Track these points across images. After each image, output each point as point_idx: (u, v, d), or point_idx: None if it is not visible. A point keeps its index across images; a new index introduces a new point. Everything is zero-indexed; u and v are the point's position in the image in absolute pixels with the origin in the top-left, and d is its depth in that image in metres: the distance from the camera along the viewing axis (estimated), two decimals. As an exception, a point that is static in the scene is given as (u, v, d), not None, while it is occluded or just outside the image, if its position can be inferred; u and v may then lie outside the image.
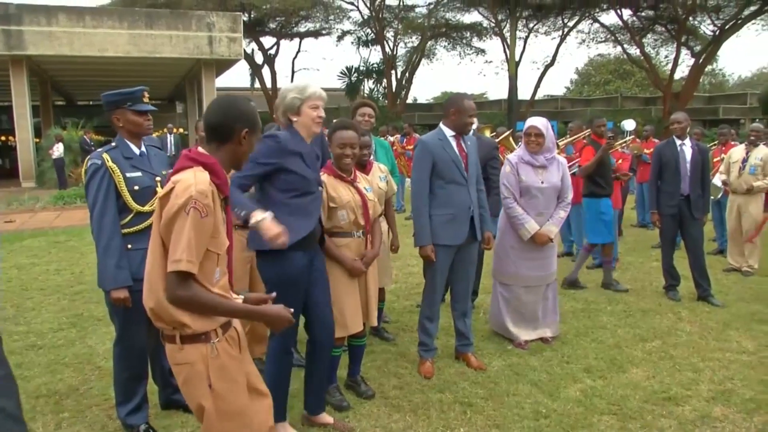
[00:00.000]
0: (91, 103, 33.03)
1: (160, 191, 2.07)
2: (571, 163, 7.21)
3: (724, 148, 8.22)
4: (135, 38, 17.76)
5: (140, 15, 18.28)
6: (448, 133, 3.96)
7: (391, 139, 12.96)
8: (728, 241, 7.22)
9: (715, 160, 8.18)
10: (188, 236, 1.92)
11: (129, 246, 3.07)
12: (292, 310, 2.20)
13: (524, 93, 30.05)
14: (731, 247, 7.09)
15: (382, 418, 3.40)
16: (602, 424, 3.33)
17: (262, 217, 2.61)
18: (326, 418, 3.31)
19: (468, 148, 3.99)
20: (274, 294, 2.29)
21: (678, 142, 5.83)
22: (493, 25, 29.20)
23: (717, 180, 7.43)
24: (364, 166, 3.68)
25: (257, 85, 30.61)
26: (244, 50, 22.45)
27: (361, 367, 3.78)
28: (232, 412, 2.08)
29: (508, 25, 27.84)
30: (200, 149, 2.09)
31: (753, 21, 25.14)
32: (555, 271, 4.60)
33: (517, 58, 27.76)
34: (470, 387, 3.78)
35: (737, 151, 7.10)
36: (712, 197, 7.27)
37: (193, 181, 1.96)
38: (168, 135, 17.04)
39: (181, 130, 23.33)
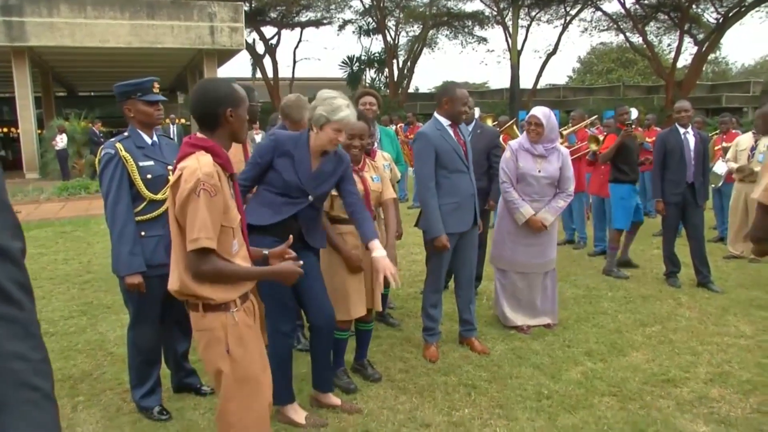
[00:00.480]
0: (92, 94, 33.06)
1: (172, 178, 2.21)
2: (572, 153, 7.29)
3: (725, 137, 8.27)
4: (136, 29, 17.78)
5: (142, 5, 18.27)
6: (445, 122, 4.02)
7: (394, 127, 13.01)
8: (729, 228, 7.29)
9: (716, 148, 8.24)
10: (202, 215, 2.10)
11: (142, 233, 3.16)
12: (301, 262, 2.41)
13: (526, 82, 30.08)
14: (732, 234, 7.16)
15: (389, 399, 3.50)
16: (602, 404, 3.42)
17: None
18: (334, 399, 3.40)
19: (464, 137, 4.07)
20: (290, 241, 2.51)
21: (681, 130, 5.89)
22: (495, 13, 29.15)
23: (718, 168, 7.49)
24: (368, 154, 3.75)
25: (259, 75, 30.59)
26: (246, 40, 22.45)
27: (367, 351, 3.88)
28: (246, 377, 2.27)
29: (510, 14, 27.76)
30: (198, 135, 2.26)
31: (757, 9, 25.02)
32: (554, 260, 4.64)
33: (519, 47, 27.69)
34: (474, 370, 3.88)
35: (745, 139, 7.13)
36: (712, 185, 7.35)
37: (198, 165, 2.13)
38: (171, 125, 17.10)
39: (183, 120, 23.37)
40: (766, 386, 3.63)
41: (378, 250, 3.04)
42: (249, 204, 3.07)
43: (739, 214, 7.05)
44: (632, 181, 6.36)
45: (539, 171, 4.42)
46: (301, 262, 2.41)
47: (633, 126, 6.39)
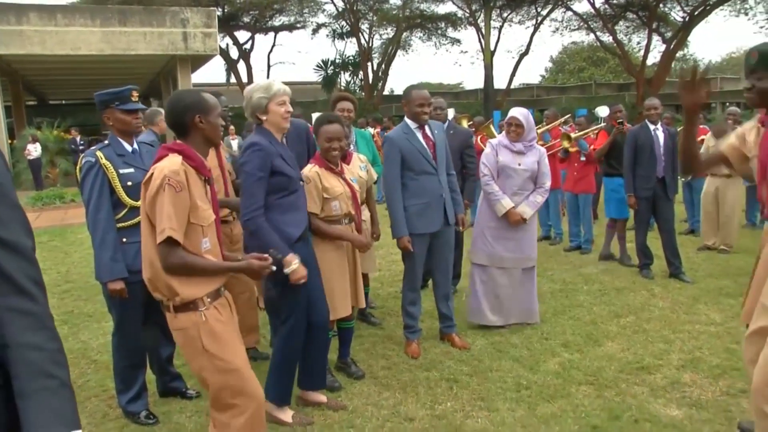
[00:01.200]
0: (63, 102, 32.63)
1: (144, 179, 2.40)
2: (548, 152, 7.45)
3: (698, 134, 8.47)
4: (108, 36, 17.61)
5: (113, 12, 18.11)
6: (413, 125, 4.12)
7: (372, 131, 13.08)
8: (702, 221, 7.47)
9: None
10: (168, 209, 2.26)
11: (124, 240, 3.19)
12: (267, 256, 2.52)
13: (500, 82, 30.30)
14: (705, 226, 7.34)
15: (372, 396, 3.57)
16: (580, 393, 3.54)
17: (297, 264, 2.97)
18: (320, 396, 3.47)
19: (436, 137, 4.16)
20: (270, 251, 2.62)
21: (651, 127, 6.06)
22: (467, 15, 29.37)
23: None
24: (344, 157, 3.82)
25: (233, 80, 30.48)
26: (219, 45, 22.36)
27: (350, 349, 3.95)
28: (227, 369, 2.41)
29: (482, 15, 28.02)
30: (177, 141, 2.45)
31: (721, 7, 25.59)
32: (533, 257, 4.71)
33: (492, 48, 27.97)
34: (455, 365, 3.97)
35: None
36: (682, 179, 7.54)
37: (166, 163, 2.33)
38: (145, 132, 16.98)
39: (157, 127, 23.20)
40: (735, 370, 3.77)
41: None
42: (274, 220, 3.04)
43: (708, 206, 7.26)
44: (621, 174, 6.52)
45: (519, 164, 4.53)
46: (267, 256, 2.54)
47: (622, 123, 6.59)
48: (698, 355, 4.05)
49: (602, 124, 10.67)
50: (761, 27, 32.63)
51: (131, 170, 3.23)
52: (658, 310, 4.98)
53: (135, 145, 3.34)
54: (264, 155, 3.02)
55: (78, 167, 3.27)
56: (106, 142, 3.27)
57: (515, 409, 3.37)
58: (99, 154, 3.17)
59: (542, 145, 7.45)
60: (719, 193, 7.14)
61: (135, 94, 3.30)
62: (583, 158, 7.16)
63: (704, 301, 5.18)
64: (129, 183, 3.20)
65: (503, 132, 4.73)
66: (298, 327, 3.20)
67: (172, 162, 2.33)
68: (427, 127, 4.17)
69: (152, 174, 2.33)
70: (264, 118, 3.11)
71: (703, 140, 7.31)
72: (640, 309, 5.02)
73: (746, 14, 26.55)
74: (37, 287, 1.19)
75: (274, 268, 2.56)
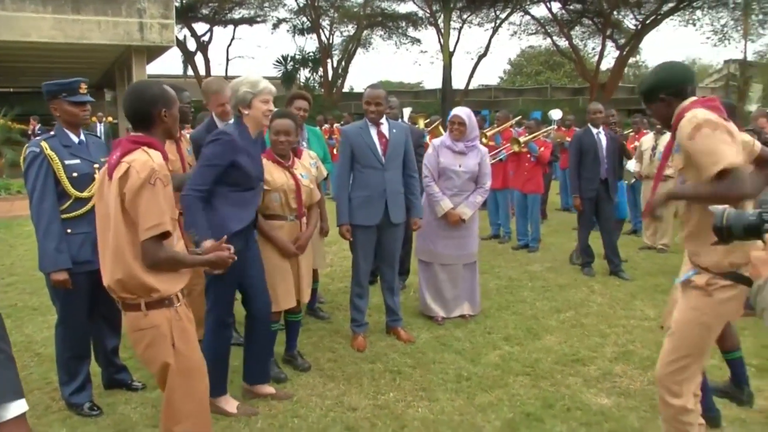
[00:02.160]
0: (12, 90, 31.58)
1: (116, 173, 2.24)
2: (495, 152, 7.66)
3: (637, 136, 8.81)
4: (61, 23, 17.14)
5: None
6: (369, 122, 4.27)
7: (336, 126, 13.04)
8: (643, 221, 7.79)
9: (631, 147, 8.77)
10: (159, 203, 2.20)
11: (69, 230, 3.20)
12: (232, 248, 2.53)
13: (459, 82, 30.64)
14: (646, 227, 7.66)
15: (317, 387, 3.66)
16: (517, 383, 3.69)
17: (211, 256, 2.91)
18: (267, 388, 3.53)
19: (392, 135, 4.27)
20: (225, 237, 2.62)
21: (594, 130, 6.30)
22: (428, 15, 29.59)
23: (630, 165, 7.99)
24: (295, 153, 3.89)
25: (190, 72, 30.01)
26: (176, 37, 22.02)
27: (297, 342, 4.02)
28: (190, 368, 2.38)
29: (442, 16, 28.28)
30: (133, 134, 2.37)
31: (671, 16, 26.47)
32: (474, 253, 4.89)
33: (451, 49, 28.25)
34: (399, 357, 4.09)
35: (647, 140, 7.65)
36: (626, 182, 7.83)
37: (149, 157, 2.24)
38: (97, 124, 16.63)
39: (110, 118, 22.69)
40: (664, 362, 3.98)
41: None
42: (219, 210, 3.11)
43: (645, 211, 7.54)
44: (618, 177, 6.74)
45: (459, 166, 4.66)
46: (232, 248, 2.56)
47: (615, 124, 6.77)
48: (631, 348, 4.26)
49: (553, 126, 11.00)
50: (707, 38, 33.82)
51: (77, 161, 3.23)
52: (597, 306, 5.20)
53: (82, 137, 3.34)
54: (228, 147, 3.09)
55: (22, 157, 3.25)
56: (52, 132, 3.26)
57: (455, 398, 3.50)
58: (44, 144, 3.17)
59: (493, 147, 7.68)
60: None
61: (83, 86, 3.30)
62: (533, 159, 7.37)
63: (641, 298, 5.43)
64: (75, 174, 3.20)
65: (447, 131, 4.86)
66: (222, 318, 3.26)
67: (155, 155, 2.26)
68: (384, 126, 4.29)
69: (130, 167, 2.20)
70: (246, 112, 3.17)
71: (635, 147, 7.65)
72: (580, 305, 5.24)
73: (694, 25, 27.50)
74: None
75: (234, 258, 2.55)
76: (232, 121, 3.50)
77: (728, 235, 1.68)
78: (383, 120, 4.28)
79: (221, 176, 3.13)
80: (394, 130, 4.32)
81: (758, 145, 2.66)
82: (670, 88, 2.53)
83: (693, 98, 2.51)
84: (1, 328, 1.27)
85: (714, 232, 1.71)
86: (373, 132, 4.24)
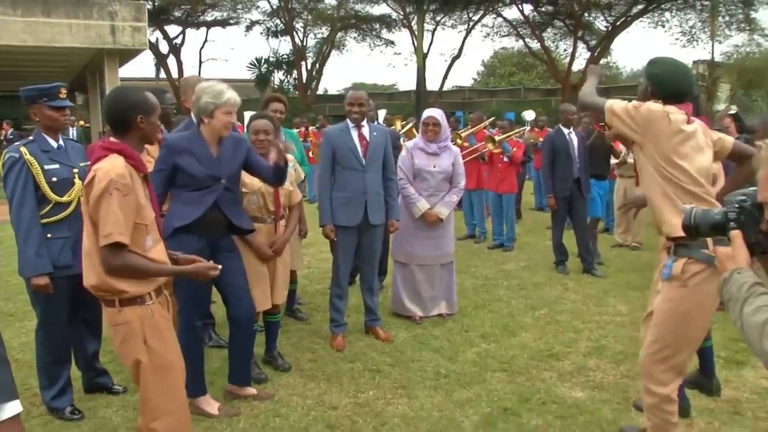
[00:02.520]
0: (-20, 94, 30.98)
1: (86, 180, 2.36)
2: (469, 151, 7.77)
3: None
4: (31, 26, 16.89)
5: (36, 2, 17.34)
6: (350, 124, 4.33)
7: (312, 129, 13.04)
8: (615, 219, 7.96)
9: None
10: (115, 213, 2.26)
11: (49, 235, 3.20)
12: (211, 262, 2.56)
13: (434, 84, 30.83)
14: (618, 225, 7.83)
15: (298, 387, 3.71)
16: (494, 379, 3.79)
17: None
18: (250, 390, 3.57)
19: (372, 138, 4.34)
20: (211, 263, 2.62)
21: (566, 131, 6.45)
22: (401, 17, 29.74)
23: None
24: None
25: (162, 75, 29.75)
26: (149, 40, 21.82)
27: (276, 343, 4.06)
28: (164, 366, 2.42)
29: (416, 18, 28.45)
30: (111, 139, 2.43)
31: (641, 18, 27.01)
32: (451, 253, 4.98)
33: (424, 50, 28.46)
34: (378, 356, 4.16)
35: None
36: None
37: (111, 166, 2.30)
38: (70, 128, 16.40)
39: (82, 122, 22.41)
40: (635, 356, 4.05)
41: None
42: (170, 209, 3.19)
43: (619, 204, 7.73)
44: (598, 176, 6.86)
45: (434, 167, 4.75)
46: (211, 262, 2.58)
47: (604, 126, 6.87)
48: (604, 343, 4.39)
49: (526, 127, 11.17)
50: (676, 39, 34.55)
51: (56, 166, 3.24)
52: (571, 303, 5.33)
53: (60, 141, 3.35)
54: (167, 151, 3.18)
55: (0, 163, 3.25)
56: (31, 137, 3.27)
57: (433, 395, 3.58)
58: (23, 149, 3.17)
59: (467, 148, 7.80)
60: (628, 193, 7.61)
61: (64, 91, 3.31)
62: (506, 159, 7.50)
63: (613, 294, 5.57)
64: (54, 179, 3.21)
65: (420, 132, 4.93)
66: (190, 319, 3.29)
67: (117, 164, 2.30)
68: (365, 128, 4.36)
69: (95, 176, 2.29)
70: (207, 121, 3.20)
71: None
72: (554, 302, 5.36)
73: (663, 26, 28.09)
74: None
75: (218, 272, 2.58)
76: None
77: (696, 232, 1.78)
78: (364, 122, 4.36)
79: (171, 180, 3.22)
80: (375, 133, 4.40)
81: (729, 140, 2.77)
82: (664, 88, 2.68)
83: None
84: None
85: (683, 230, 1.81)
86: (354, 134, 4.31)
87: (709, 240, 2.48)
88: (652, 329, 2.71)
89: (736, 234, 1.60)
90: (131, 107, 2.42)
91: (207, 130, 3.23)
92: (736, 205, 1.63)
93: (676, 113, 2.58)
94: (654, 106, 2.60)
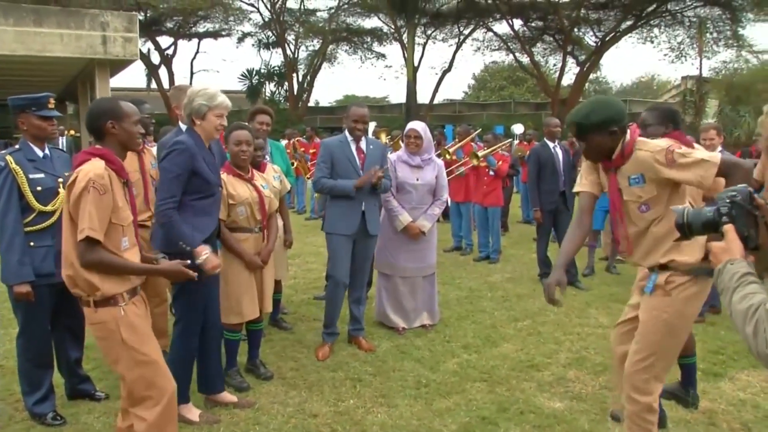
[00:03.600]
0: (-30, 102, 30.86)
1: (68, 181, 2.53)
2: (455, 166, 7.85)
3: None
4: (22, 36, 16.90)
5: (27, 11, 17.37)
6: (349, 137, 4.44)
7: (299, 139, 13.06)
8: (602, 233, 8.02)
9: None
10: (90, 210, 2.42)
11: (32, 243, 3.23)
12: (188, 262, 2.70)
13: (425, 97, 31.04)
14: (604, 238, 7.89)
15: (279, 395, 3.73)
16: (474, 389, 3.83)
17: (206, 254, 3.08)
18: (229, 397, 3.59)
19: (369, 151, 4.45)
20: (187, 262, 2.74)
21: (551, 144, 6.54)
22: (392, 30, 29.98)
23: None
24: (259, 167, 4.00)
25: (154, 85, 29.79)
26: (140, 50, 21.88)
27: (259, 351, 4.09)
28: (144, 361, 2.56)
29: (407, 32, 28.68)
30: (96, 145, 2.62)
31: (629, 34, 27.37)
32: (433, 264, 5.02)
33: (415, 64, 28.69)
34: (360, 365, 4.19)
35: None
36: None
37: (91, 167, 2.48)
38: (60, 137, 16.36)
39: (73, 132, 22.37)
40: (614, 367, 4.17)
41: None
42: (185, 223, 3.14)
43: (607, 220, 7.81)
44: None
45: (417, 180, 4.81)
46: (188, 262, 2.69)
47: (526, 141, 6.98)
48: (584, 354, 4.44)
49: (515, 140, 11.27)
50: (665, 54, 34.95)
51: (41, 175, 3.28)
52: (553, 315, 5.38)
53: (47, 151, 3.38)
54: (187, 155, 3.15)
55: (-14, 171, 3.28)
56: (17, 146, 3.31)
57: (413, 404, 3.61)
58: (9, 158, 3.20)
59: (455, 161, 7.87)
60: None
61: (52, 101, 3.35)
62: (491, 173, 7.58)
63: (595, 306, 5.64)
64: (39, 188, 3.24)
65: (404, 145, 4.97)
66: (192, 327, 3.32)
67: (96, 166, 2.47)
68: (363, 142, 4.46)
69: (76, 177, 2.45)
70: (199, 122, 3.25)
71: None
72: (537, 313, 5.42)
73: (651, 42, 28.47)
74: None
75: (196, 275, 2.72)
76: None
77: (689, 231, 1.81)
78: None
79: (185, 186, 3.20)
80: (371, 146, 4.51)
81: (717, 155, 2.84)
82: (621, 121, 2.63)
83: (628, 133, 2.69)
84: None
85: (676, 229, 1.85)
86: (353, 147, 4.42)
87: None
88: (636, 339, 2.77)
89: (729, 227, 1.66)
90: (102, 114, 2.60)
91: (201, 133, 3.27)
92: (728, 200, 1.69)
93: None
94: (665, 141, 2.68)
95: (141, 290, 2.71)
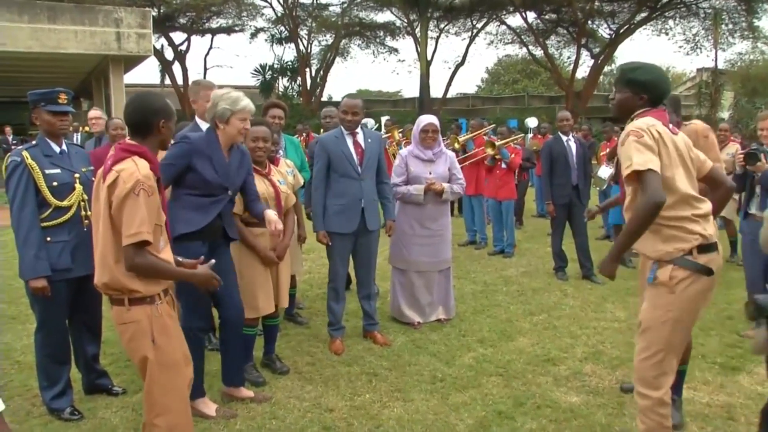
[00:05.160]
0: (-14, 100, 31.18)
1: (106, 180, 2.38)
2: (463, 157, 7.81)
3: (608, 143, 9.03)
4: (37, 33, 17.04)
5: (42, 8, 17.51)
6: (345, 131, 4.37)
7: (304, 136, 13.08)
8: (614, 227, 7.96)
9: (601, 153, 8.98)
10: (141, 213, 2.33)
11: (48, 239, 3.25)
12: (212, 271, 2.64)
13: (438, 91, 30.87)
14: (617, 232, 7.84)
15: (295, 389, 3.74)
16: (490, 383, 3.81)
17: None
18: (246, 392, 3.60)
19: (367, 145, 4.38)
20: (202, 258, 2.73)
21: (564, 138, 6.48)
22: (405, 24, 29.85)
23: (602, 172, 8.19)
24: (273, 161, 3.99)
25: (167, 81, 29.89)
26: (154, 46, 21.97)
27: (275, 346, 4.10)
28: (170, 363, 2.49)
29: (419, 26, 28.55)
30: (129, 141, 2.49)
31: (644, 26, 27.05)
32: (448, 259, 5.00)
33: (428, 58, 28.53)
34: (376, 360, 4.18)
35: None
36: (598, 188, 8.03)
37: (137, 167, 2.37)
38: (74, 134, 16.46)
39: (87, 128, 22.53)
40: (631, 361, 4.07)
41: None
42: (172, 212, 3.16)
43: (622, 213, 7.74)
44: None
45: (430, 173, 4.78)
46: (215, 276, 2.68)
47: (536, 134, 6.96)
48: (601, 349, 4.40)
49: (530, 133, 11.20)
50: (680, 47, 34.57)
51: (57, 171, 3.30)
52: (569, 309, 5.34)
53: (64, 146, 3.40)
54: (186, 150, 3.17)
55: (3, 166, 3.31)
56: (34, 142, 3.33)
57: (429, 399, 3.60)
58: (25, 153, 3.23)
59: (466, 153, 7.83)
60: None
61: (63, 96, 3.36)
62: (504, 166, 7.53)
63: (612, 300, 5.58)
64: (54, 183, 3.26)
65: (415, 140, 4.92)
66: (192, 325, 3.29)
67: (142, 166, 2.38)
68: (360, 135, 4.39)
69: (119, 176, 2.34)
70: (222, 126, 3.24)
71: (607, 154, 7.84)
72: (553, 307, 5.38)
73: (666, 34, 28.12)
74: None
75: (219, 284, 2.71)
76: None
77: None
78: (358, 129, 4.39)
79: (179, 178, 3.21)
80: (369, 140, 4.43)
81: (709, 163, 2.83)
82: (654, 93, 2.68)
83: (648, 108, 2.68)
84: None
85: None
86: (350, 141, 4.35)
87: (694, 249, 2.56)
88: (642, 335, 2.75)
89: None
90: (156, 111, 2.51)
91: (222, 136, 3.27)
92: None
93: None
94: (643, 123, 2.63)
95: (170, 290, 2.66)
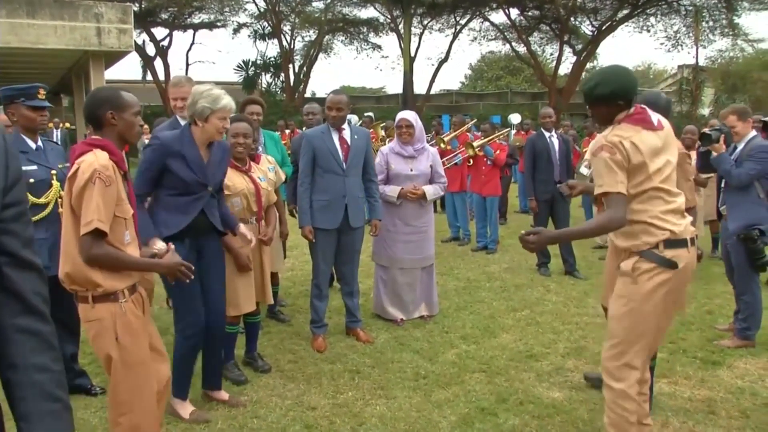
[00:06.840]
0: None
1: (69, 172, 2.41)
2: (451, 155, 7.82)
3: (590, 139, 9.08)
4: (15, 27, 16.77)
5: (21, 3, 17.21)
6: (331, 127, 4.35)
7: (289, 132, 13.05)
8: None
9: (584, 149, 9.03)
10: (96, 202, 2.31)
11: (25, 236, 3.18)
12: (186, 264, 2.62)
13: (421, 87, 30.85)
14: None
15: (277, 388, 3.72)
16: (473, 380, 3.82)
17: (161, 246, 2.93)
18: (222, 394, 3.56)
19: (353, 141, 4.36)
20: (171, 245, 2.75)
21: (546, 134, 6.51)
22: (388, 21, 29.80)
23: (584, 169, 8.23)
24: (253, 158, 3.96)
25: (149, 77, 29.61)
26: (135, 42, 21.73)
27: (257, 344, 4.07)
28: (134, 362, 2.46)
29: (403, 22, 28.53)
30: (93, 136, 2.50)
31: (626, 23, 27.26)
32: (432, 256, 5.01)
33: (411, 54, 28.52)
34: (359, 357, 4.17)
35: (596, 143, 7.88)
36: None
37: (95, 158, 2.38)
38: (54, 130, 16.24)
39: (67, 124, 22.24)
40: (613, 357, 4.15)
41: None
42: (155, 214, 3.14)
43: (598, 207, 7.80)
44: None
45: (411, 170, 4.77)
46: (186, 263, 2.63)
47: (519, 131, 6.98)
48: (583, 344, 4.43)
49: (512, 129, 11.24)
50: (661, 43, 34.88)
51: (34, 167, 3.24)
52: (552, 304, 5.37)
53: (39, 142, 3.34)
54: (157, 153, 3.13)
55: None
56: (8, 138, 3.26)
57: (412, 396, 3.60)
58: (0, 150, 3.16)
59: (451, 151, 7.84)
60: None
61: (42, 91, 3.31)
62: (489, 162, 7.54)
63: (593, 296, 5.61)
64: (31, 180, 3.20)
65: (395, 136, 4.91)
66: (186, 330, 3.26)
67: (100, 157, 2.38)
68: (346, 132, 4.37)
69: (79, 168, 2.36)
70: (200, 124, 3.18)
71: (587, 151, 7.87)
72: (536, 303, 5.40)
73: (648, 31, 28.36)
74: (45, 306, 1.18)
75: (192, 276, 2.65)
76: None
77: None
78: (345, 126, 4.38)
79: (158, 180, 3.17)
80: (356, 136, 4.42)
81: (692, 165, 2.87)
82: (627, 95, 2.67)
83: (626, 111, 2.68)
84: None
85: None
86: (335, 137, 4.33)
87: (661, 243, 2.58)
88: (608, 326, 2.78)
89: None
90: (102, 103, 2.49)
91: (199, 133, 3.20)
92: None
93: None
94: (608, 138, 2.64)
95: (140, 287, 2.63)
